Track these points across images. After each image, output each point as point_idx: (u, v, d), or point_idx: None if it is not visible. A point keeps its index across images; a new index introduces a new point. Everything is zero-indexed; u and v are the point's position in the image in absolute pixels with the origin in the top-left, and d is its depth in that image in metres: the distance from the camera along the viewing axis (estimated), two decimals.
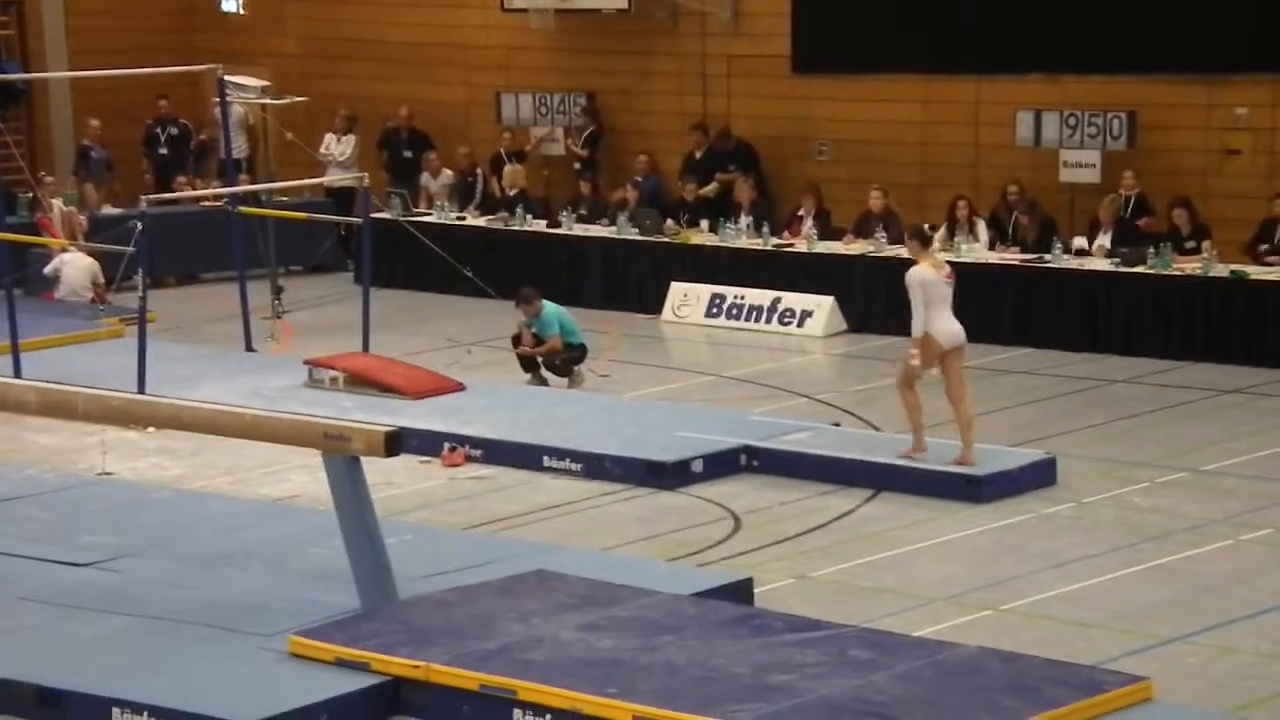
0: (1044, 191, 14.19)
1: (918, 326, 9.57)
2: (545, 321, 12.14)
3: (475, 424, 10.78)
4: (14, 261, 12.85)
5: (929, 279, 9.60)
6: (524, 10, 16.40)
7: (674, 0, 16.06)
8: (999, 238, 13.94)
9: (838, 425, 10.84)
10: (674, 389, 12.06)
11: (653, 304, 14.55)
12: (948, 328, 9.64)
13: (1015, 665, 6.97)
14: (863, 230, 14.32)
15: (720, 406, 11.45)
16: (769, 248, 14.35)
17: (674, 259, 14.62)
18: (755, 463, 10.18)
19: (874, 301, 13.71)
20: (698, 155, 15.99)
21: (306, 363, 11.91)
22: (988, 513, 9.40)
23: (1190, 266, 12.83)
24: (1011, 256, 13.58)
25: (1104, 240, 13.49)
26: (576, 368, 12.18)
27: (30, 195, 15.41)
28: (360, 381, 11.57)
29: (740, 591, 8.01)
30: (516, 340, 12.29)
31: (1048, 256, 13.33)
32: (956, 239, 13.71)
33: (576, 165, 16.35)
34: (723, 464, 10.15)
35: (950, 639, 7.40)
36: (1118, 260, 13.11)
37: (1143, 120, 13.96)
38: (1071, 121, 13.99)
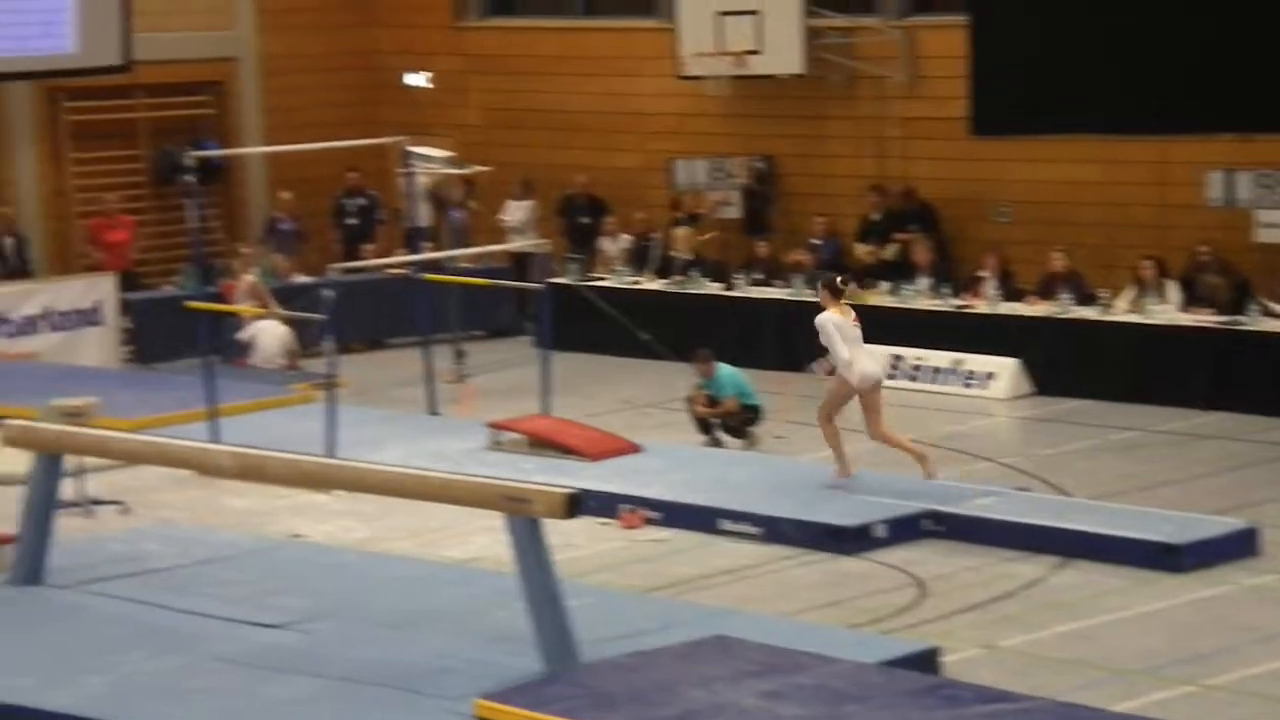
0: (1237, 252, 13.75)
1: (842, 362, 10.33)
2: (720, 383, 12.06)
3: (653, 486, 10.72)
4: (212, 330, 13.17)
5: (839, 321, 10.42)
6: (699, 78, 16.46)
7: (850, 64, 15.99)
8: (1190, 299, 13.52)
9: (1025, 490, 10.54)
10: (852, 451, 11.87)
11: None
12: (865, 368, 10.37)
13: None
14: (1045, 291, 14.01)
15: (902, 470, 11.23)
16: (950, 309, 14.10)
17: None
18: (940, 528, 9.93)
19: (1059, 363, 13.37)
20: (875, 217, 15.83)
21: (488, 425, 11.98)
22: (1187, 583, 9.03)
23: None
24: (1205, 318, 13.15)
25: None
26: (752, 429, 12.07)
27: (225, 266, 15.83)
28: (540, 443, 11.59)
29: (926, 661, 7.79)
30: (692, 402, 12.23)
31: (1243, 318, 12.89)
32: (1144, 299, 13.33)
33: (733, 205, 16.28)
34: (906, 529, 9.92)
35: (1150, 715, 7.08)
36: None
37: None
38: (1267, 181, 13.54)
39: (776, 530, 9.98)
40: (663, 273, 16.07)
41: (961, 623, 8.60)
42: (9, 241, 16.00)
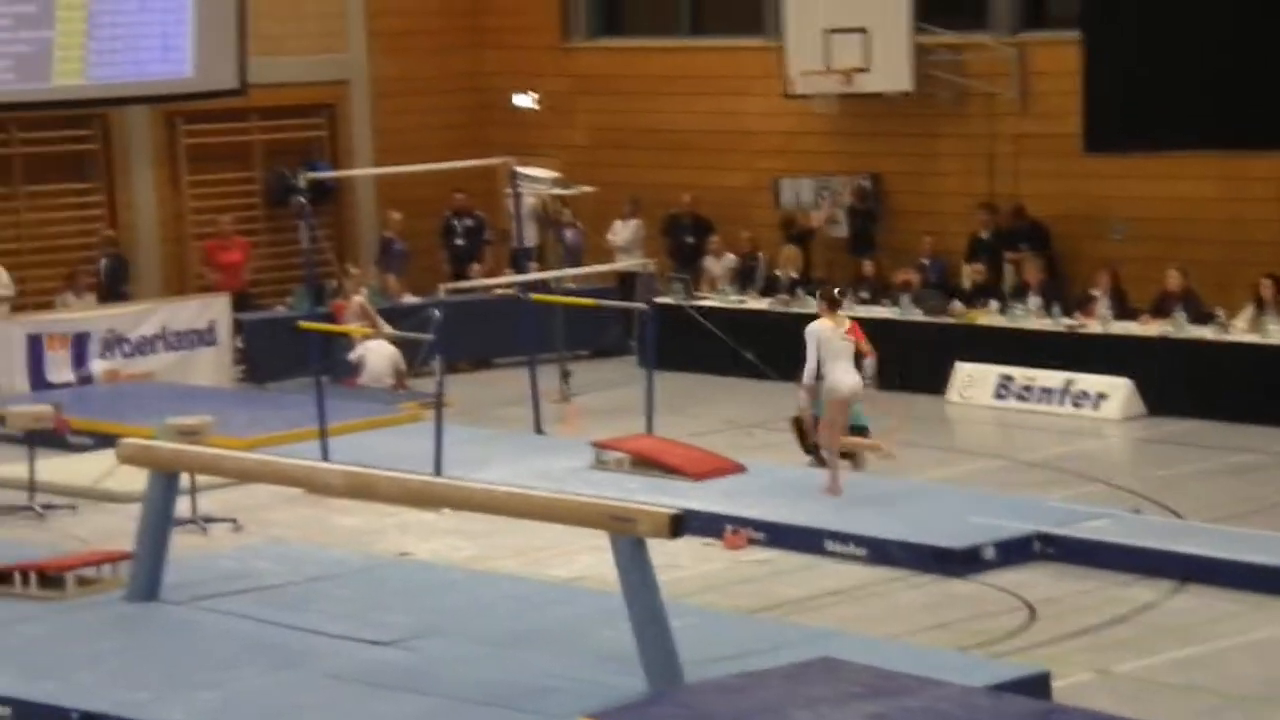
0: None
1: (808, 375, 10.65)
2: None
3: (757, 506, 10.67)
4: (323, 350, 13.33)
5: (826, 333, 10.73)
6: (806, 96, 16.39)
7: (959, 81, 15.85)
8: None
9: (1138, 512, 10.35)
10: (961, 472, 11.74)
11: (936, 386, 14.26)
12: (837, 381, 10.67)
13: None
14: (1160, 310, 13.75)
15: (1011, 491, 11.07)
16: (1061, 328, 13.90)
17: (959, 340, 14.31)
18: (1050, 550, 9.77)
19: (1173, 384, 13.12)
20: (984, 235, 15.66)
21: (593, 445, 11.99)
22: None
23: None
24: None
25: None
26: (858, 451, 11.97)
27: (336, 285, 16.01)
28: (644, 463, 11.58)
29: (1037, 685, 7.65)
30: (798, 422, 12.17)
31: None
32: (1263, 319, 13.04)
33: (834, 222, 16.18)
34: (1016, 551, 9.78)
35: None
36: None
37: None
38: None
39: (883, 551, 9.87)
40: (768, 292, 16.01)
41: (1073, 647, 8.45)
42: (105, 263, 16.22)
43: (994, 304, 14.59)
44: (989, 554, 9.70)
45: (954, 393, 14.16)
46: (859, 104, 16.25)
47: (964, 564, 9.65)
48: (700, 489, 11.06)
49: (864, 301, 15.25)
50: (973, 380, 14.08)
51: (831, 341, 10.74)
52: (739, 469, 11.47)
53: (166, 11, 16.56)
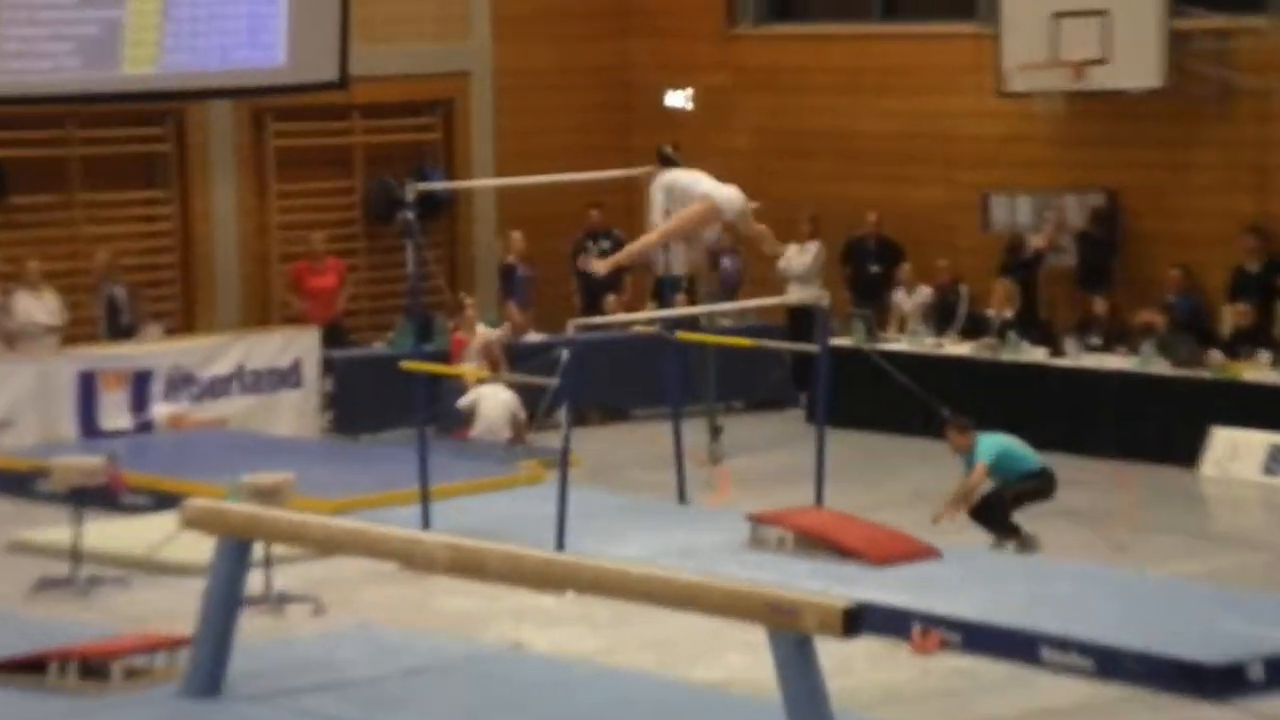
0: None
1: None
2: (977, 452, 11.80)
3: (954, 600, 10.45)
4: (429, 395, 13.34)
5: None
6: (1026, 94, 16.13)
7: (1224, 76, 15.46)
8: None
9: None
10: (1218, 566, 11.38)
11: (1187, 456, 13.95)
12: None
13: None
14: None
15: None
16: None
17: (1217, 399, 14.01)
18: None
19: None
20: (1251, 268, 15.26)
21: (750, 518, 11.88)
22: None
23: None
24: None
25: None
26: (1028, 532, 11.65)
27: (458, 318, 16.01)
28: (813, 542, 11.44)
29: None
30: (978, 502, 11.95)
31: None
32: None
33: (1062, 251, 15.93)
34: None
35: None
36: None
37: None
38: None
39: (1115, 664, 9.59)
40: (972, 333, 15.79)
41: None
42: (119, 292, 15.98)
43: (1263, 355, 14.21)
44: (1255, 673, 9.34)
45: (1210, 465, 13.87)
46: (1093, 103, 15.97)
47: (1221, 684, 9.30)
48: (882, 576, 10.88)
49: (1095, 349, 14.97)
50: (1235, 450, 13.75)
51: None
52: (932, 554, 11.27)
53: None
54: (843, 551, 11.28)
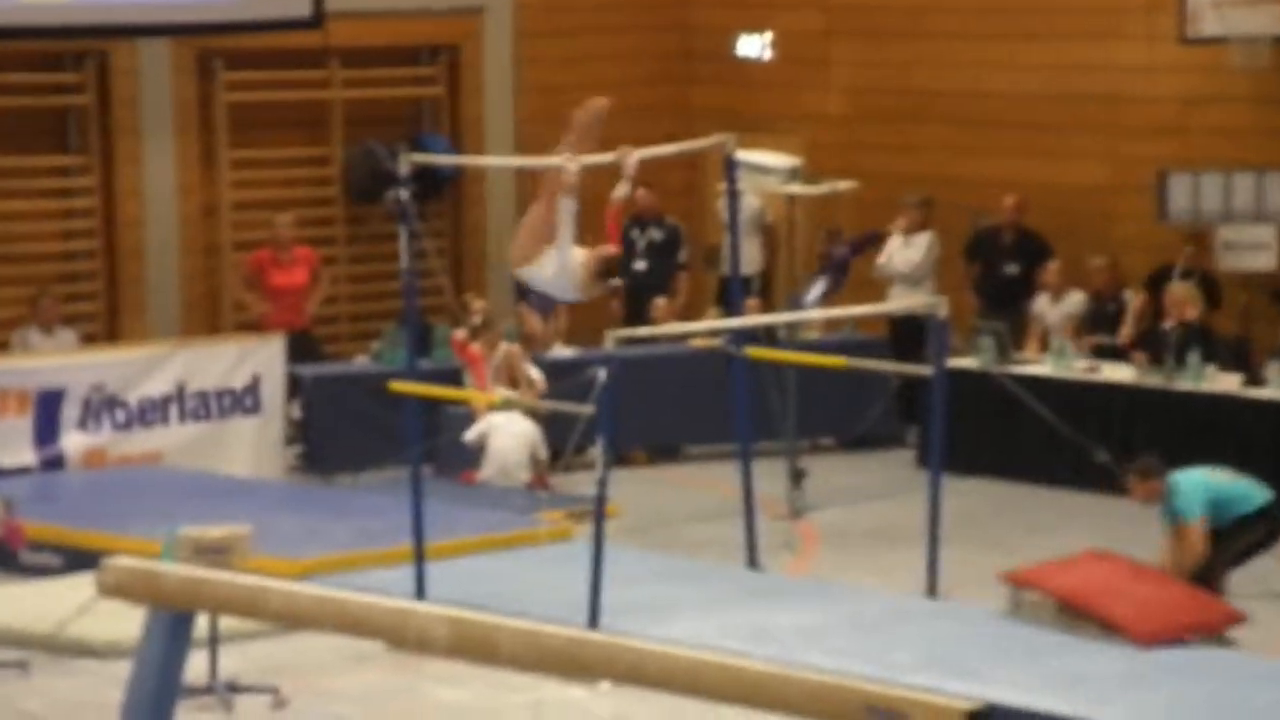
0: None
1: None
2: (1180, 503, 11.79)
3: (1108, 704, 10.40)
4: (426, 423, 13.37)
5: None
6: (1219, 40, 16.03)
7: None
8: None
9: None
10: None
11: None
12: None
13: None
14: None
15: None
16: None
17: None
18: None
19: None
20: None
21: (1006, 579, 11.99)
22: None
23: None
24: None
25: None
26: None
27: (477, 323, 15.94)
28: (1077, 611, 11.48)
29: None
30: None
31: None
32: None
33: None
34: None
35: None
36: None
37: None
38: None
39: None
40: (1139, 353, 15.74)
41: None
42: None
43: None
44: None
45: None
46: None
47: None
48: (1131, 662, 10.96)
49: None
50: None
51: None
52: (1234, 619, 11.47)
53: None
54: (1105, 624, 11.37)
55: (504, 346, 15.78)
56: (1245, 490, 12.01)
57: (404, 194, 12.59)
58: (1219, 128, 16.54)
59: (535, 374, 15.75)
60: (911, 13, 18.03)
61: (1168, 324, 15.72)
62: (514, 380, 15.67)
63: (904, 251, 17.19)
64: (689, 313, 16.95)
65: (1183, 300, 15.80)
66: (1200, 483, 11.90)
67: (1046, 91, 17.31)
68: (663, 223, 17.74)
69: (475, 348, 15.79)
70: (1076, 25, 17.20)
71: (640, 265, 17.63)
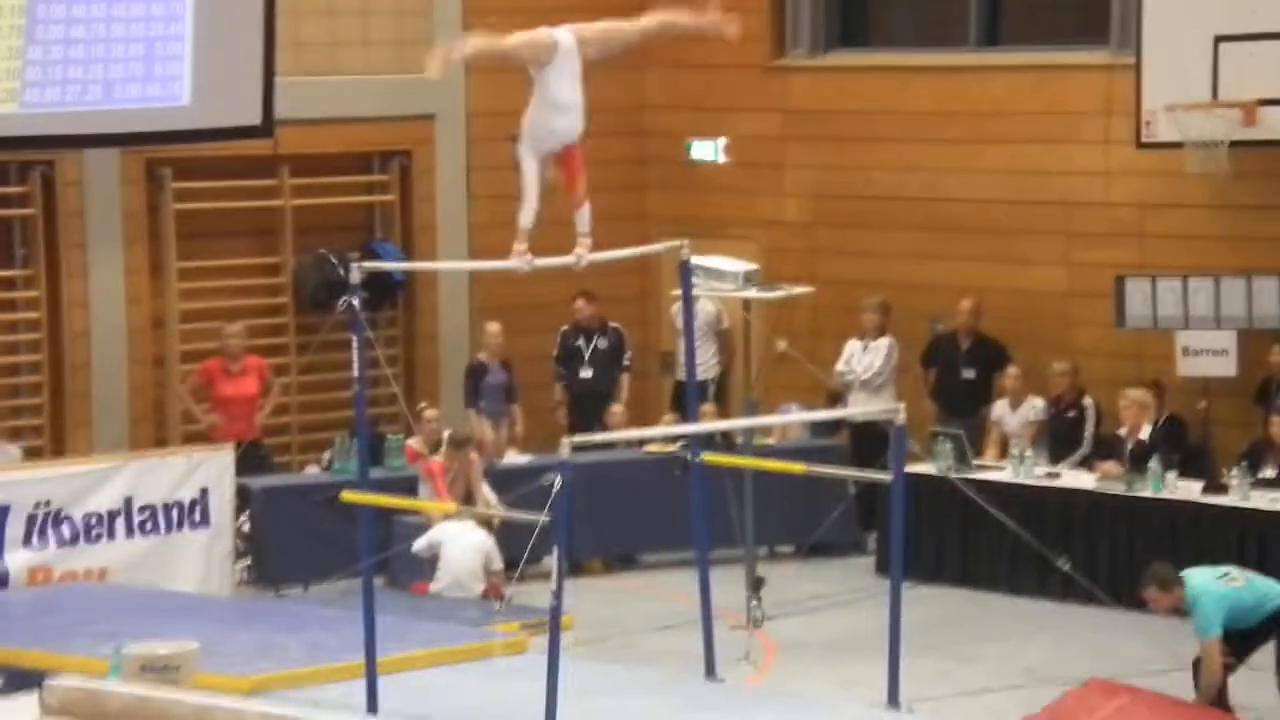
0: None
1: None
2: (1201, 622, 11.81)
3: None
4: (377, 536, 13.30)
5: None
6: (1175, 145, 16.00)
7: None
8: None
9: None
10: None
11: None
12: None
13: None
14: None
15: None
16: None
17: None
18: None
19: None
20: None
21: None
22: None
23: None
24: None
25: None
26: None
27: (417, 440, 15.97)
28: None
29: None
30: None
31: None
32: None
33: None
34: None
35: None
36: None
37: None
38: None
39: None
40: (1100, 460, 15.75)
41: None
42: None
43: None
44: None
45: None
46: (1269, 158, 15.97)
47: None
48: None
49: (1267, 483, 14.91)
50: None
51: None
52: None
53: (152, 9, 16.75)
54: None
55: (472, 457, 15.78)
56: (1261, 590, 12.04)
57: (356, 302, 12.57)
58: (1176, 233, 16.61)
59: (490, 496, 15.75)
60: (867, 117, 18.09)
61: (1124, 430, 15.76)
62: (469, 492, 15.62)
63: (864, 357, 17.21)
64: (644, 418, 16.94)
65: (1141, 406, 15.82)
66: (1214, 593, 11.94)
67: (1003, 196, 17.38)
68: (606, 329, 17.76)
69: (435, 461, 15.76)
70: (1033, 130, 17.27)
71: (586, 374, 17.65)
